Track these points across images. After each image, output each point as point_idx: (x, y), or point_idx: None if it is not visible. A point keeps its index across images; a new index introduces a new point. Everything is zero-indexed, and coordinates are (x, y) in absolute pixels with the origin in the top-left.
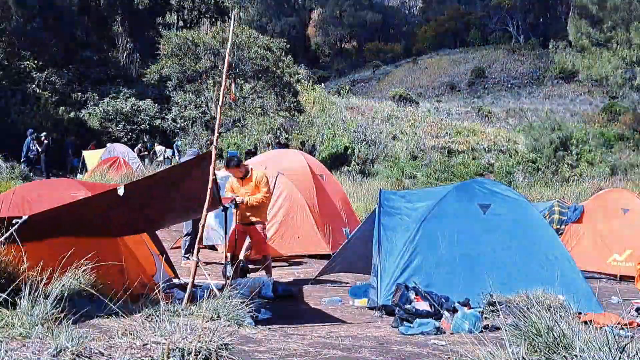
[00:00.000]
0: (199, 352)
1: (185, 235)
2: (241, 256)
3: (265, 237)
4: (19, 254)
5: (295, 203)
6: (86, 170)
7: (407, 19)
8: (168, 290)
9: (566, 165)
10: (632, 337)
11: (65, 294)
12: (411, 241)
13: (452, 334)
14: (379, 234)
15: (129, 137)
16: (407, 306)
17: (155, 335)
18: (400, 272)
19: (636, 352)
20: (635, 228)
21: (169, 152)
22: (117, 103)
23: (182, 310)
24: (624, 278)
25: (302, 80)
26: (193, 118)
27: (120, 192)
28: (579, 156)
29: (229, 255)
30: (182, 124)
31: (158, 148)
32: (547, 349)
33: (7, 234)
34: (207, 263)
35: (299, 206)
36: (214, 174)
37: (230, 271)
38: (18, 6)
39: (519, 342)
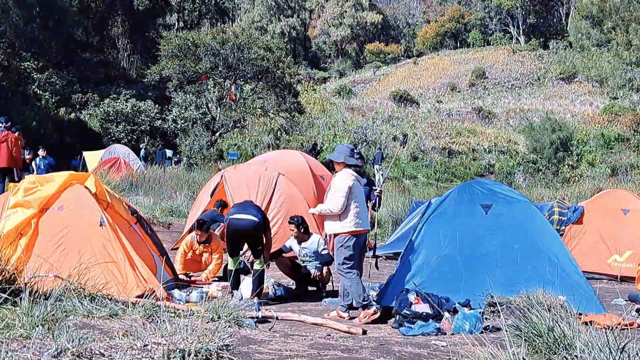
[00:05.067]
0: (200, 353)
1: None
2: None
3: None
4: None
5: (296, 204)
6: (86, 171)
7: (407, 19)
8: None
9: (566, 166)
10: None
11: (65, 294)
12: (413, 241)
13: (452, 334)
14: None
15: (129, 138)
16: (406, 311)
17: (155, 336)
18: (402, 272)
19: (636, 352)
20: (636, 229)
21: (169, 152)
22: (118, 104)
23: (183, 311)
24: (624, 279)
25: (303, 81)
26: (194, 119)
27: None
28: (580, 157)
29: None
30: (183, 125)
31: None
32: (547, 350)
33: None
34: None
35: (299, 207)
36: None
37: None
38: (18, 7)
39: (520, 342)
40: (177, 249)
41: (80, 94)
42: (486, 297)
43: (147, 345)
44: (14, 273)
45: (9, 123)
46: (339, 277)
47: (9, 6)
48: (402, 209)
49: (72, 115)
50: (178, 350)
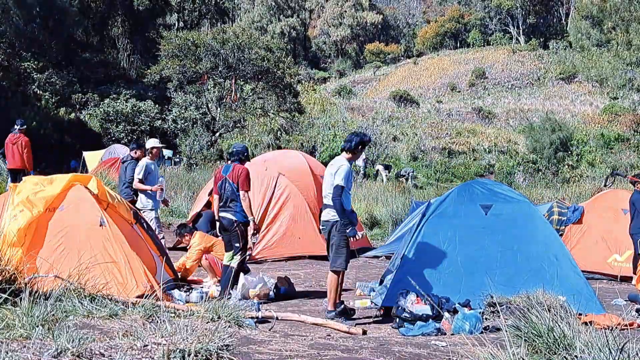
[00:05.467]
0: (200, 353)
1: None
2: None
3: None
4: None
5: (296, 204)
6: (86, 172)
7: (407, 19)
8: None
9: (566, 166)
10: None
11: (65, 294)
12: (413, 242)
13: (452, 334)
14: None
15: (129, 138)
16: (406, 314)
17: (155, 336)
18: (402, 272)
19: (636, 352)
20: None
21: (168, 152)
22: (118, 104)
23: (183, 311)
24: (624, 279)
25: (303, 81)
26: (194, 119)
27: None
28: (580, 157)
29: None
30: (183, 125)
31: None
32: (547, 350)
33: None
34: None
35: (300, 207)
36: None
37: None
38: (18, 7)
39: (520, 342)
40: (176, 248)
41: (80, 94)
42: (486, 297)
43: (147, 345)
44: (14, 273)
45: (24, 126)
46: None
47: (9, 6)
48: (402, 209)
49: (72, 115)
50: (178, 350)
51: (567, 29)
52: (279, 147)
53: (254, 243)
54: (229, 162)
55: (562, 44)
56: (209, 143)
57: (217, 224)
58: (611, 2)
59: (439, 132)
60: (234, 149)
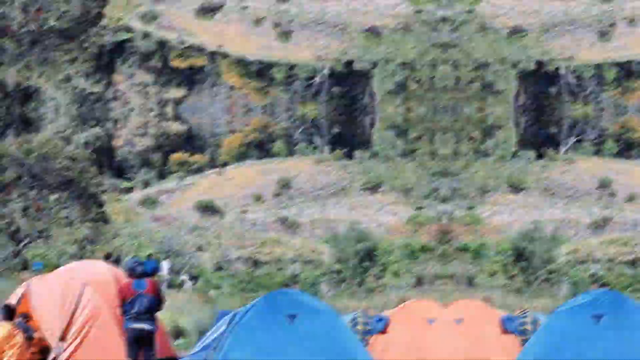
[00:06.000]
0: None
1: None
2: None
3: None
4: None
5: (102, 313)
6: None
7: (212, 129)
8: None
9: (371, 276)
10: None
11: None
12: (217, 354)
13: None
14: None
15: None
16: None
17: None
18: None
19: None
20: (441, 339)
21: None
22: None
23: None
24: None
25: (108, 191)
26: None
27: None
28: (384, 267)
29: None
30: None
31: None
32: None
33: None
34: None
35: (105, 317)
36: None
37: None
38: None
39: None
40: None
41: None
42: None
43: None
44: None
45: None
46: None
47: None
48: (207, 319)
49: None
50: None
51: (373, 138)
52: (83, 258)
53: (58, 354)
54: (136, 277)
55: (367, 154)
56: (14, 253)
57: (130, 335)
58: (416, 112)
59: (243, 242)
60: (144, 266)
